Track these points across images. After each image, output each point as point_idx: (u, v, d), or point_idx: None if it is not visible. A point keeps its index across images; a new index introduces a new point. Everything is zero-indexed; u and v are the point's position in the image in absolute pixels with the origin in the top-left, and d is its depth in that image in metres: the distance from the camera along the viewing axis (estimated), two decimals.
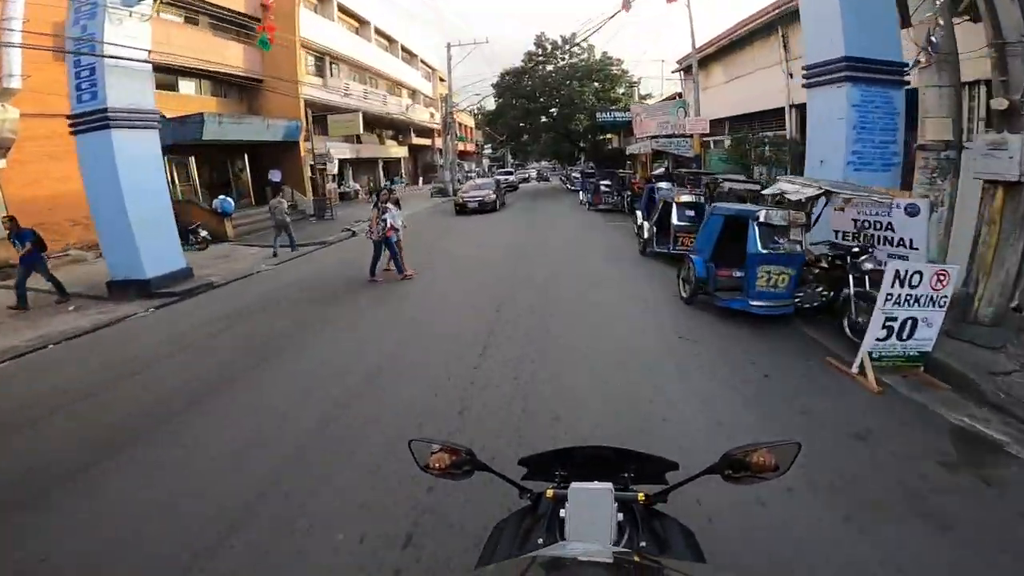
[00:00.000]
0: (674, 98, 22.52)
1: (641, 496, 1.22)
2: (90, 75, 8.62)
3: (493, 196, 18.99)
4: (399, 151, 36.11)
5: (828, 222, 6.45)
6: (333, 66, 25.24)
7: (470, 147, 54.37)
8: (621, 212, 17.09)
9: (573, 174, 34.88)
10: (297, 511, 3.01)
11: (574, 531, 1.12)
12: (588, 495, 1.16)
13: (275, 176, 18.66)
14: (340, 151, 25.94)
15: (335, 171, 24.78)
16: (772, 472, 1.18)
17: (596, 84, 31.74)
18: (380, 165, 33.24)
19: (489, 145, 61.38)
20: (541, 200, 25.44)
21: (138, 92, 9.14)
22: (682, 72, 22.00)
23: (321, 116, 23.50)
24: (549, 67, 32.74)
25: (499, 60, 45.43)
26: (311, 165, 20.60)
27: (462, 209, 18.63)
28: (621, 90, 32.80)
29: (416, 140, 38.60)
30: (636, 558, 1.02)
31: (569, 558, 0.97)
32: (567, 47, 32.22)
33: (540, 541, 1.16)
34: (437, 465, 1.32)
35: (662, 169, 21.56)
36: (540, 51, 32.57)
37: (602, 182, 18.26)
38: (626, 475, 1.37)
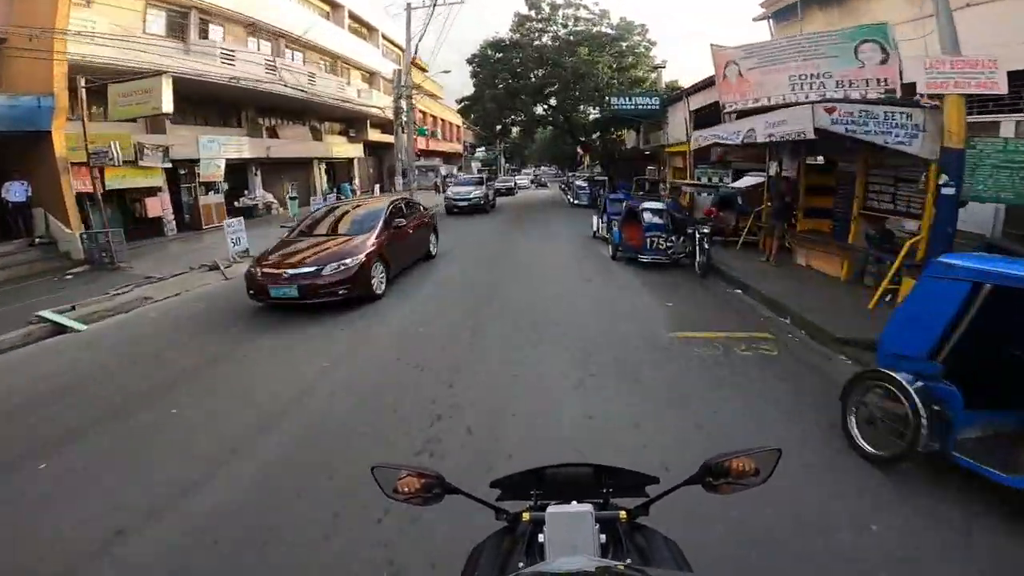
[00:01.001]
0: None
1: (623, 514, 1.19)
2: None
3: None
4: (349, 149, 27.32)
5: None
6: (212, 25, 16.71)
7: (455, 147, 45.73)
8: (684, 268, 9.11)
9: (576, 182, 26.18)
10: None
11: (558, 555, 1.06)
12: (567, 519, 1.11)
13: (13, 191, 9.95)
14: (234, 147, 17.36)
15: (218, 175, 16.22)
16: (753, 478, 1.18)
17: (611, 59, 22.89)
18: (318, 168, 24.54)
19: (483, 147, 52.79)
20: (521, 237, 14.01)
21: None
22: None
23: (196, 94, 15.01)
24: (546, 37, 23.99)
25: (487, 29, 35.77)
26: (75, 168, 10.69)
27: None
28: (640, 71, 23.93)
29: (376, 136, 29.80)
30: (621, 566, 0.99)
31: (551, 572, 0.97)
32: (571, 9, 23.52)
33: (520, 565, 1.10)
34: (405, 490, 1.26)
35: (734, 183, 12.99)
36: (534, 13, 23.70)
37: (647, 208, 9.69)
38: (605, 491, 1.30)
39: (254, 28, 18.80)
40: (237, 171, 18.18)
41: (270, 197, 20.27)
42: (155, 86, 10.12)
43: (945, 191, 5.57)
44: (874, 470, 3.16)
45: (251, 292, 6.88)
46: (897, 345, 3.35)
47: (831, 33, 7.39)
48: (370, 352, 5.52)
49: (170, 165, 14.06)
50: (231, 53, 16.23)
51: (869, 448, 3.29)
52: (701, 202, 13.18)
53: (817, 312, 5.96)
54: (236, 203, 18.22)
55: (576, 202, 23.45)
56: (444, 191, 24.30)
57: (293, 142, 22.29)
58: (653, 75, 23.80)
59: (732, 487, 1.18)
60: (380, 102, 27.32)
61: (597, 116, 26.02)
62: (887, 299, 6.15)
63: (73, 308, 6.99)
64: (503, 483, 1.39)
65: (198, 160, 15.38)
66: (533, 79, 23.72)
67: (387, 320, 6.54)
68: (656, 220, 9.41)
